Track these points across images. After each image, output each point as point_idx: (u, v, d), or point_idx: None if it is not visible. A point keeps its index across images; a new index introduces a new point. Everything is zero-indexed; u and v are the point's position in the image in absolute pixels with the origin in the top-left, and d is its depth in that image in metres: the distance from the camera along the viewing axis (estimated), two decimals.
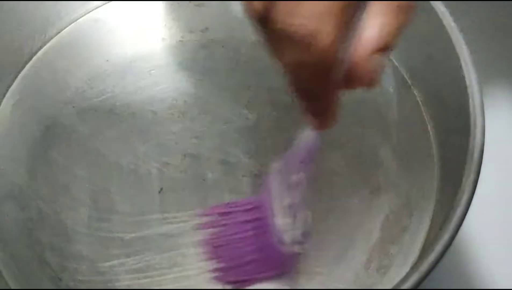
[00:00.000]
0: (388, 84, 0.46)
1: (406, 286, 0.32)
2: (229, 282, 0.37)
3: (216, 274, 0.38)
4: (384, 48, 0.27)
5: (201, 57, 0.47)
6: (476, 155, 0.35)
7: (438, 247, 0.32)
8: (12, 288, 0.38)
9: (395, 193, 0.41)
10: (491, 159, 0.38)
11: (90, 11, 0.48)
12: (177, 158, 0.43)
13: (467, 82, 0.37)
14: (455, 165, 0.38)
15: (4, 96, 0.45)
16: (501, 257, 0.43)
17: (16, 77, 0.46)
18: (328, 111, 0.30)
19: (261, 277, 0.37)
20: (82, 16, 0.48)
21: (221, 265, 0.38)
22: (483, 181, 0.36)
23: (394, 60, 0.46)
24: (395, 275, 0.38)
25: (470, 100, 0.36)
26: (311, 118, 0.31)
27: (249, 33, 0.47)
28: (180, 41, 0.48)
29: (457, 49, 0.38)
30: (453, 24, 0.39)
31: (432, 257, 0.32)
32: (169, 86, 0.46)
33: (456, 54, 0.38)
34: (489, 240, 0.44)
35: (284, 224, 0.36)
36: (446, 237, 0.33)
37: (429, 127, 0.44)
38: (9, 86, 0.45)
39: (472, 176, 0.35)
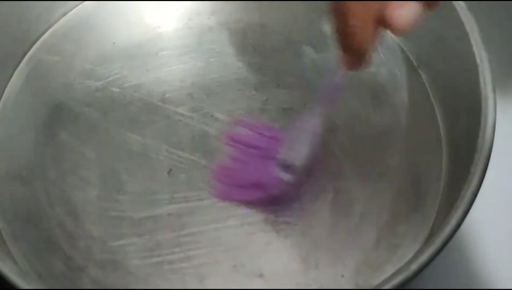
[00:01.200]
0: (395, 67, 0.46)
1: (417, 264, 0.32)
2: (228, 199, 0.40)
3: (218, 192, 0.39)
4: None
5: (208, 40, 0.47)
6: (487, 134, 0.36)
7: (452, 221, 0.32)
8: (23, 269, 0.38)
9: (403, 175, 0.41)
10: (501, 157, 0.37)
11: None
12: (186, 139, 0.43)
13: (478, 61, 0.37)
14: (464, 146, 0.39)
15: (10, 78, 0.45)
16: (505, 255, 0.43)
17: (22, 59, 0.45)
18: (365, 50, 0.32)
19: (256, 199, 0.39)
20: None
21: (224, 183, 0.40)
22: (491, 170, 0.36)
23: (400, 43, 0.46)
24: (406, 254, 0.38)
25: (481, 79, 0.37)
26: (347, 57, 0.33)
27: (256, 16, 0.48)
28: (187, 24, 0.48)
29: (467, 29, 0.38)
30: (462, 3, 0.39)
31: (446, 230, 0.32)
32: (176, 68, 0.45)
33: (466, 34, 0.38)
34: (493, 236, 0.44)
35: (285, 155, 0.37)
36: (458, 213, 0.33)
37: (436, 110, 0.44)
38: (15, 68, 0.45)
39: (483, 156, 0.35)
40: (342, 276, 0.38)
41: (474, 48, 0.38)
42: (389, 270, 0.38)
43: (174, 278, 0.38)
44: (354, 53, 0.32)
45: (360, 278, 0.38)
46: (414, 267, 0.31)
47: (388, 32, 0.44)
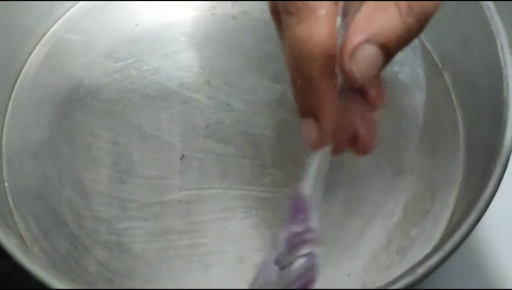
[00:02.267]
0: (418, 66, 0.45)
1: (424, 268, 0.31)
2: None
3: None
4: (376, 42, 0.25)
5: (230, 28, 0.46)
6: (507, 140, 0.35)
7: (464, 227, 0.31)
8: (29, 245, 0.38)
9: (418, 176, 0.41)
10: None
11: None
12: (200, 126, 0.42)
13: (502, 64, 0.36)
14: (483, 150, 0.38)
15: (30, 54, 0.45)
16: None
17: (44, 36, 0.45)
18: (324, 115, 0.27)
19: None
20: None
21: None
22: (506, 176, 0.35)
23: (425, 42, 0.45)
24: (415, 257, 0.37)
25: (504, 84, 0.36)
26: (307, 125, 0.29)
27: None
28: (209, 11, 0.47)
29: (494, 31, 0.37)
30: (491, 5, 0.38)
31: (456, 237, 0.31)
32: (196, 54, 0.45)
33: (493, 36, 0.37)
34: (505, 240, 0.43)
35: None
36: (470, 220, 0.33)
37: (458, 112, 0.43)
38: (36, 45, 0.45)
39: (500, 162, 0.35)
40: (348, 275, 0.37)
41: (500, 51, 0.37)
42: (398, 272, 0.37)
43: (179, 264, 0.38)
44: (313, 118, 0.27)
45: (368, 279, 0.37)
46: (421, 271, 0.30)
47: None
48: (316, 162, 0.30)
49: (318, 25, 0.26)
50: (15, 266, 0.32)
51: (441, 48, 0.44)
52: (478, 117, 0.40)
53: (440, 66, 0.45)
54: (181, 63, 0.45)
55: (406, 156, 0.41)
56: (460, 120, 0.42)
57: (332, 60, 0.26)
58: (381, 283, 0.36)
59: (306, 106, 0.28)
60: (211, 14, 0.47)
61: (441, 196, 0.40)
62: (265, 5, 0.46)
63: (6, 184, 0.40)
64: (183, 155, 0.41)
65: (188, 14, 0.47)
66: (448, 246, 0.31)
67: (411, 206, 0.40)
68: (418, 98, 0.44)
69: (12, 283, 0.41)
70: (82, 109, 0.43)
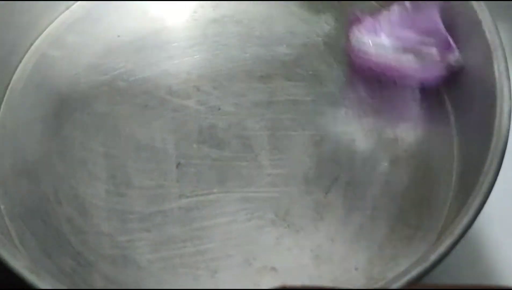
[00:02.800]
0: None
1: (437, 254, 0.32)
2: None
3: None
4: None
5: (213, 32, 0.46)
6: (503, 123, 0.35)
7: (470, 211, 0.32)
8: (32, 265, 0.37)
9: (415, 165, 0.41)
10: None
11: None
12: (193, 132, 0.42)
13: (492, 48, 0.37)
14: (478, 136, 0.38)
15: (15, 71, 0.44)
16: None
17: (26, 52, 0.45)
18: None
19: None
20: None
21: None
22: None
23: None
24: (419, 246, 0.38)
25: (495, 66, 0.36)
26: None
27: (261, 7, 0.47)
28: (191, 16, 0.47)
29: (479, 16, 0.38)
30: None
31: (464, 221, 0.32)
32: (182, 61, 0.45)
33: (479, 22, 0.38)
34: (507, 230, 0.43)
35: None
36: (476, 203, 0.33)
37: (446, 98, 0.43)
38: (19, 62, 0.44)
39: (498, 146, 0.35)
40: (356, 269, 0.38)
41: (487, 34, 0.37)
42: (403, 262, 0.37)
43: (186, 272, 0.38)
44: None
45: (374, 271, 0.38)
46: (433, 257, 0.31)
47: None
48: None
49: None
50: None
51: None
52: (470, 102, 0.40)
53: None
54: (168, 71, 0.45)
55: (400, 145, 0.42)
56: (450, 106, 0.43)
57: None
58: (388, 274, 0.37)
59: None
60: (193, 19, 0.47)
61: (438, 184, 0.40)
62: (246, 7, 0.46)
63: (2, 206, 0.39)
64: (179, 163, 0.41)
65: (169, 21, 0.47)
66: (458, 230, 0.32)
67: (410, 196, 0.40)
68: (407, 89, 0.44)
69: None
70: (72, 125, 0.42)
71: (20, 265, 0.32)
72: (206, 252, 0.38)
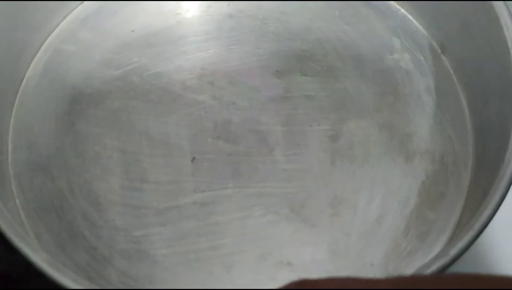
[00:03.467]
0: (417, 52, 0.45)
1: (457, 249, 0.31)
2: None
3: None
4: None
5: (228, 27, 0.46)
6: None
7: (490, 205, 0.32)
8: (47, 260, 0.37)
9: (430, 160, 0.41)
10: None
11: None
12: (208, 127, 0.42)
13: (509, 44, 0.36)
14: (494, 132, 0.38)
15: (28, 67, 0.44)
16: None
17: (40, 48, 0.45)
18: None
19: None
20: None
21: None
22: None
23: (422, 28, 0.46)
24: (435, 241, 0.38)
25: None
26: None
27: (276, 3, 0.47)
28: (205, 11, 0.47)
29: (497, 12, 0.38)
30: None
31: (485, 215, 0.31)
32: (196, 56, 0.45)
33: (496, 17, 0.37)
34: None
35: None
36: (495, 198, 0.33)
37: (461, 95, 0.43)
38: (33, 58, 0.44)
39: None
40: (372, 265, 0.37)
41: (505, 31, 0.37)
42: (419, 257, 0.37)
43: (201, 267, 0.37)
44: None
45: (390, 267, 0.37)
46: (453, 252, 0.31)
47: (409, 16, 0.44)
48: None
49: None
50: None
51: (440, 33, 0.45)
52: (486, 100, 0.40)
53: (440, 50, 0.45)
54: (182, 66, 0.44)
55: (416, 141, 0.42)
56: (465, 103, 0.43)
57: None
58: (404, 269, 0.37)
59: None
60: (207, 15, 0.47)
61: (454, 178, 0.40)
62: (260, 2, 0.46)
63: (17, 200, 0.39)
64: (193, 158, 0.41)
65: (183, 16, 0.47)
66: (477, 225, 0.31)
67: (426, 191, 0.40)
68: (421, 84, 0.44)
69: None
70: (86, 120, 0.42)
71: (40, 259, 0.32)
72: (221, 247, 0.38)
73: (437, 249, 0.37)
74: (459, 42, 0.43)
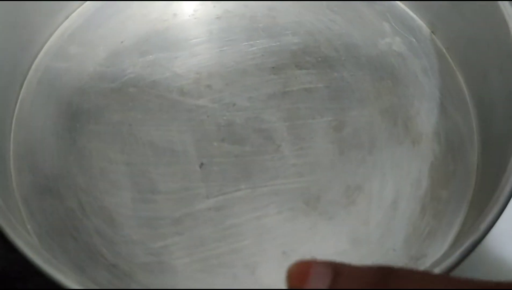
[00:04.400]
0: (408, 34, 0.45)
1: (486, 223, 0.32)
2: None
3: None
4: None
5: (218, 28, 0.46)
6: None
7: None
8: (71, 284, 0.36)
9: (436, 140, 0.41)
10: None
11: None
12: (212, 131, 0.42)
13: (507, 17, 0.37)
14: (495, 105, 0.39)
15: (21, 88, 0.43)
16: None
17: (30, 67, 0.44)
18: None
19: None
20: None
21: None
22: None
23: (411, 11, 0.46)
24: (452, 220, 0.38)
25: None
26: None
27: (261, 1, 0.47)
28: (193, 15, 0.46)
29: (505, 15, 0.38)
30: None
31: (508, 187, 0.32)
32: (190, 61, 0.44)
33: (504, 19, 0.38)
34: None
35: None
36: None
37: (457, 72, 0.44)
38: (24, 78, 0.43)
39: None
40: (394, 250, 0.38)
41: (501, 5, 0.37)
42: (439, 238, 0.37)
43: (224, 272, 0.37)
44: None
45: (412, 250, 0.37)
46: (483, 226, 0.31)
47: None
48: None
49: None
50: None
51: (428, 13, 0.45)
52: (483, 72, 0.40)
53: (430, 30, 0.45)
54: (177, 72, 0.44)
55: (420, 123, 0.42)
56: (461, 79, 0.43)
57: None
58: (427, 251, 0.37)
59: None
60: (195, 18, 0.46)
61: (462, 156, 0.40)
62: (247, 2, 0.46)
63: (28, 226, 0.38)
64: (201, 163, 0.40)
65: (171, 22, 0.46)
66: (502, 198, 0.32)
67: (436, 171, 0.40)
68: (417, 65, 0.44)
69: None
70: (87, 136, 0.41)
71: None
72: (241, 250, 0.38)
73: (455, 227, 0.38)
74: (450, 21, 0.43)
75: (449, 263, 0.31)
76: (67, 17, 0.46)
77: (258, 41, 0.45)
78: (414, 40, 0.45)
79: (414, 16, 0.46)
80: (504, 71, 0.37)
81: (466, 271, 0.29)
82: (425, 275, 0.25)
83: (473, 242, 0.31)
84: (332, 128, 0.42)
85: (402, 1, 0.47)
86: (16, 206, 0.39)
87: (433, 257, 0.36)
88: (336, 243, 0.38)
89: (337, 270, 0.25)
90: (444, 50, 0.44)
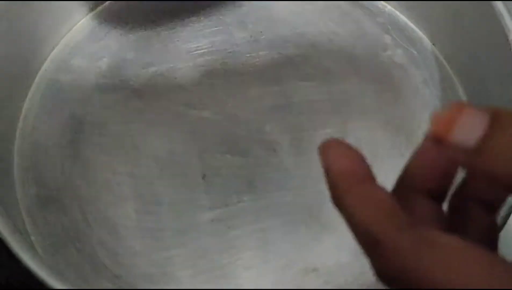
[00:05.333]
0: (410, 46, 0.46)
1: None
2: None
3: None
4: None
5: (220, 40, 0.46)
6: None
7: None
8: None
9: None
10: None
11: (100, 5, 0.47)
12: (214, 142, 0.42)
13: (506, 31, 0.37)
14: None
15: (24, 101, 0.43)
16: None
17: (33, 81, 0.44)
18: None
19: None
20: (91, 11, 0.47)
21: None
22: None
23: (411, 23, 0.46)
24: None
25: None
26: None
27: (264, 11, 0.47)
28: (195, 26, 0.47)
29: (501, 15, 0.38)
30: None
31: None
32: (193, 72, 0.45)
33: (489, 5, 0.38)
34: None
35: None
36: None
37: (456, 82, 0.44)
38: (28, 90, 0.44)
39: None
40: None
41: (500, 16, 0.38)
42: None
43: (227, 283, 0.37)
44: None
45: None
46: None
47: (397, 12, 0.44)
48: None
49: None
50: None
51: (428, 25, 0.45)
52: (483, 84, 0.41)
53: (431, 42, 0.46)
54: (180, 83, 0.44)
55: (421, 134, 0.42)
56: (462, 90, 0.43)
57: None
58: None
59: None
60: (197, 30, 0.47)
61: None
62: (248, 11, 0.46)
63: (32, 237, 0.38)
64: (204, 175, 0.41)
65: (174, 31, 0.46)
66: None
67: None
68: (418, 77, 0.44)
69: None
70: (91, 148, 0.42)
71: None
72: (244, 261, 0.38)
73: None
74: (450, 32, 0.44)
75: None
76: (69, 30, 0.46)
77: (259, 53, 0.45)
78: (415, 52, 0.45)
79: (415, 28, 0.46)
80: (504, 82, 0.38)
81: None
82: None
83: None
84: None
85: (403, 13, 0.47)
86: (20, 217, 0.39)
87: None
88: (338, 254, 0.38)
89: (495, 116, 0.19)
90: (445, 62, 0.45)
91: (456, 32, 0.43)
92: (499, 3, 0.38)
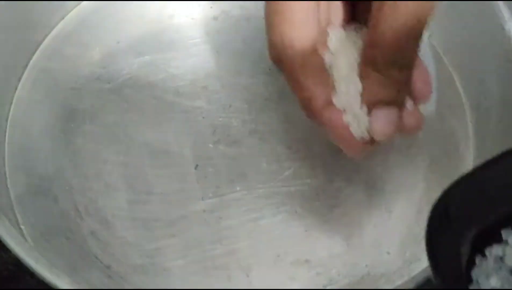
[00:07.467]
0: None
1: None
2: None
3: None
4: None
5: (214, 30, 0.46)
6: None
7: None
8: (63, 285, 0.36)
9: (433, 144, 0.41)
10: None
11: None
12: (207, 132, 0.42)
13: (502, 22, 0.37)
14: (489, 108, 0.38)
15: (16, 89, 0.43)
16: None
17: (25, 69, 0.44)
18: None
19: None
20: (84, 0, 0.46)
21: None
22: None
23: None
24: None
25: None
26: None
27: (258, 2, 0.46)
28: (189, 16, 0.46)
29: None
30: None
31: None
32: (186, 62, 0.44)
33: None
34: None
35: None
36: None
37: (453, 74, 0.44)
38: (19, 79, 0.43)
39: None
40: (388, 253, 0.38)
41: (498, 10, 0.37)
42: None
43: (218, 274, 0.37)
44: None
45: (407, 253, 0.37)
46: None
47: None
48: None
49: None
50: None
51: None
52: (480, 78, 0.40)
53: (427, 35, 0.45)
54: (173, 73, 0.44)
55: None
56: (458, 84, 0.43)
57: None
58: (422, 255, 0.37)
59: None
60: (191, 19, 0.46)
61: (458, 160, 0.40)
62: (243, 3, 0.46)
63: (22, 227, 0.38)
64: (197, 165, 0.40)
65: (167, 23, 0.46)
66: None
67: (431, 175, 0.40)
68: None
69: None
70: (82, 137, 0.41)
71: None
72: (236, 252, 0.38)
73: None
74: (447, 25, 0.43)
75: None
76: (62, 18, 0.45)
77: (254, 42, 0.45)
78: None
79: None
80: (501, 76, 0.37)
81: None
82: None
83: None
84: None
85: None
86: (10, 206, 0.38)
87: (427, 261, 0.36)
88: (330, 246, 0.38)
89: None
90: (441, 55, 0.44)
91: (453, 25, 0.43)
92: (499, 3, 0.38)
